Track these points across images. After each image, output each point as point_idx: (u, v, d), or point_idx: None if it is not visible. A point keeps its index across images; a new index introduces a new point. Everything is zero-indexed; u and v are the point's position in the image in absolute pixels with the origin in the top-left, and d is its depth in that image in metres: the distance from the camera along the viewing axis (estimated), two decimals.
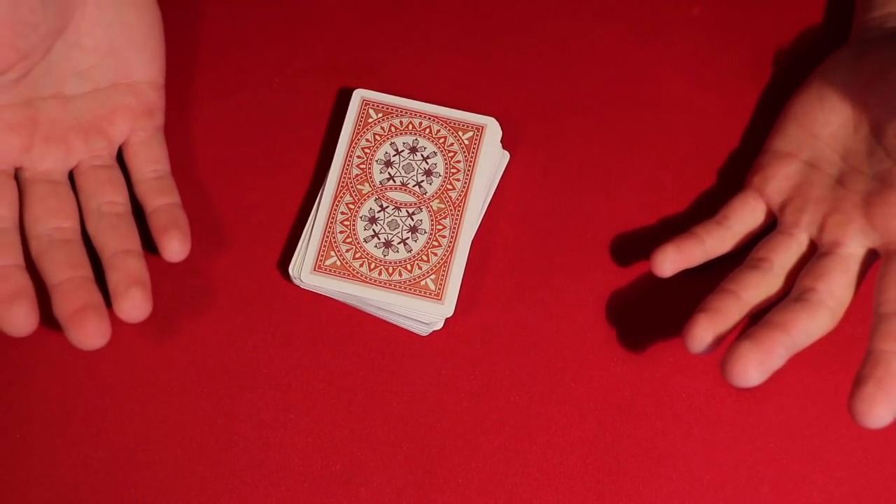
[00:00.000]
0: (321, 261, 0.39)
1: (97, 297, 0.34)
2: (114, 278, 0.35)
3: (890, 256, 0.33)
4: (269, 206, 0.41)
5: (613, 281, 0.41)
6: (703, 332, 0.34)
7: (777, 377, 0.39)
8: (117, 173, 0.38)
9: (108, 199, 0.37)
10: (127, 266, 0.35)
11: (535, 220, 0.41)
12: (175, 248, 0.36)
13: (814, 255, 0.36)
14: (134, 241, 0.36)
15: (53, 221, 0.35)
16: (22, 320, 0.33)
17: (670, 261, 0.37)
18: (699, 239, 0.38)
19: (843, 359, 0.40)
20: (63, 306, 0.33)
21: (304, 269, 0.38)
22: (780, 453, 0.39)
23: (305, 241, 0.39)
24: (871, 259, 0.35)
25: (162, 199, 0.38)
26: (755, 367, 0.32)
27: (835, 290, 0.34)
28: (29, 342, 0.39)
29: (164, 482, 0.38)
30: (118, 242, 0.36)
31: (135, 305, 0.34)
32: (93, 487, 0.38)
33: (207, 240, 0.41)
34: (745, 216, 0.38)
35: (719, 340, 0.34)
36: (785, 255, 0.36)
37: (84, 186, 0.37)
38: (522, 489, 0.38)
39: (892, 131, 0.34)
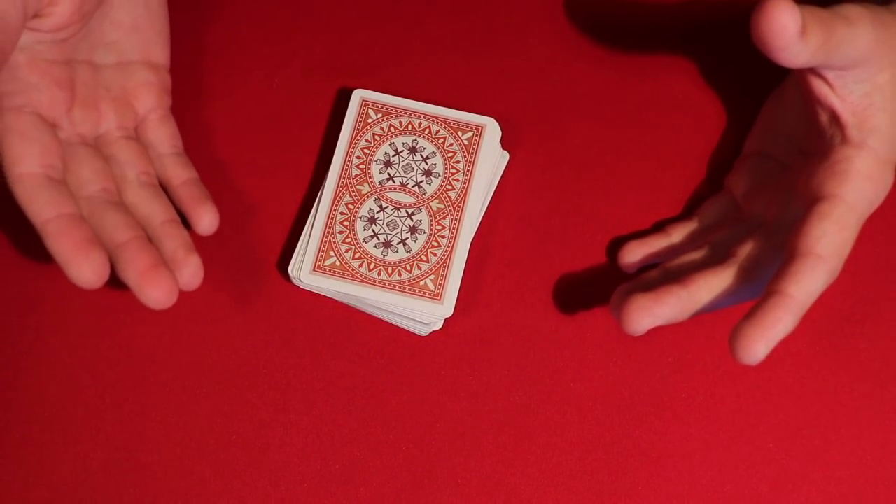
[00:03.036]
0: (320, 261, 0.39)
1: (161, 257, 0.34)
2: (170, 245, 0.35)
3: (803, 213, 0.33)
4: (268, 206, 0.41)
5: (613, 281, 0.40)
6: (618, 298, 0.34)
7: (776, 377, 0.39)
8: (144, 147, 0.38)
9: (143, 169, 0.37)
10: (181, 234, 0.35)
11: (534, 221, 0.41)
12: (210, 220, 0.37)
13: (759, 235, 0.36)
14: (174, 212, 0.36)
15: (101, 183, 0.35)
16: (96, 268, 0.32)
17: (631, 254, 0.39)
18: (665, 233, 0.40)
19: (843, 359, 0.40)
20: (135, 263, 0.32)
21: (303, 270, 0.39)
22: (780, 453, 0.39)
23: (305, 242, 0.39)
24: None
25: (187, 173, 0.38)
26: (642, 313, 0.32)
27: (749, 252, 0.34)
28: (29, 342, 0.39)
29: (163, 482, 0.38)
30: (164, 212, 0.36)
31: (196, 272, 0.34)
32: (93, 487, 0.38)
33: (207, 240, 0.41)
34: (714, 211, 0.40)
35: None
36: (728, 235, 0.37)
37: (118, 156, 0.37)
38: (522, 489, 0.38)
39: (813, 109, 0.35)
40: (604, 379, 0.39)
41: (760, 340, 0.29)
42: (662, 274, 0.36)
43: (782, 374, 0.40)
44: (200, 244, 0.41)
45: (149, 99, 0.38)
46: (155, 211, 0.36)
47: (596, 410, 0.39)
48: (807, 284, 0.30)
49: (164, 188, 0.38)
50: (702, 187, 0.42)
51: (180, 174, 0.38)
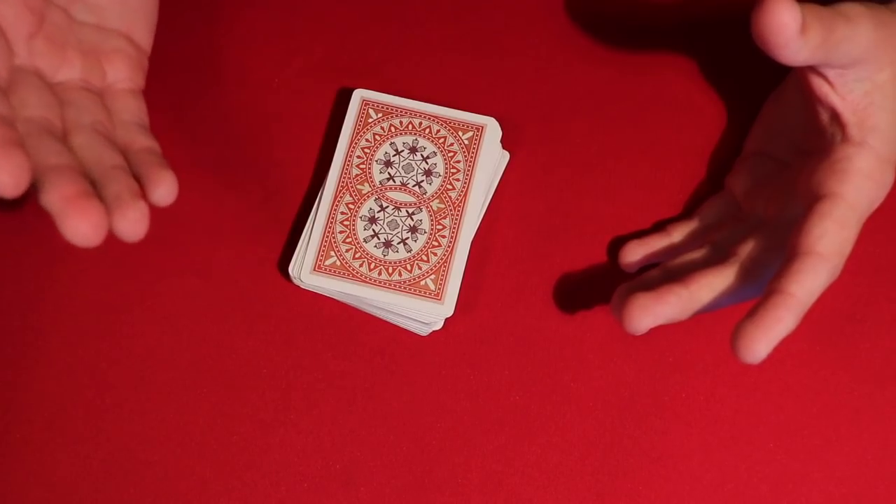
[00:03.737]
0: (321, 261, 0.39)
1: (93, 190, 0.30)
2: (115, 188, 0.31)
3: (804, 211, 0.33)
4: (269, 206, 0.41)
5: (613, 281, 0.40)
6: (618, 297, 0.34)
7: (776, 377, 0.40)
8: (106, 106, 0.35)
9: (100, 119, 0.34)
10: (129, 181, 0.31)
11: (534, 220, 0.41)
12: (167, 188, 0.32)
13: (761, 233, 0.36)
14: (126, 165, 0.33)
15: (44, 111, 0.32)
16: (14, 171, 0.28)
17: (632, 254, 0.39)
18: (666, 232, 0.40)
19: (843, 358, 0.40)
20: (62, 188, 0.29)
21: (304, 269, 0.39)
22: (780, 453, 0.39)
23: (305, 241, 0.39)
24: None
25: (149, 142, 0.35)
26: (642, 311, 0.32)
27: (749, 251, 0.34)
28: (29, 342, 0.39)
29: (163, 482, 0.38)
30: (115, 158, 0.32)
31: (140, 218, 0.30)
32: (92, 487, 0.38)
33: (207, 240, 0.41)
34: (715, 211, 0.40)
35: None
36: (729, 234, 0.37)
37: (76, 101, 0.34)
38: (522, 489, 0.38)
39: (813, 107, 0.35)
40: (604, 379, 0.39)
41: (762, 340, 0.29)
42: (663, 273, 0.36)
43: (782, 374, 0.40)
44: (200, 243, 0.41)
45: (122, 67, 0.36)
46: (105, 156, 0.32)
47: (596, 410, 0.39)
48: (808, 283, 0.30)
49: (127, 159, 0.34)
50: (702, 187, 0.42)
51: (141, 141, 0.35)
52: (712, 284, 0.33)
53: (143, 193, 0.32)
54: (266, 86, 0.43)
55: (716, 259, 0.35)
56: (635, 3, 0.45)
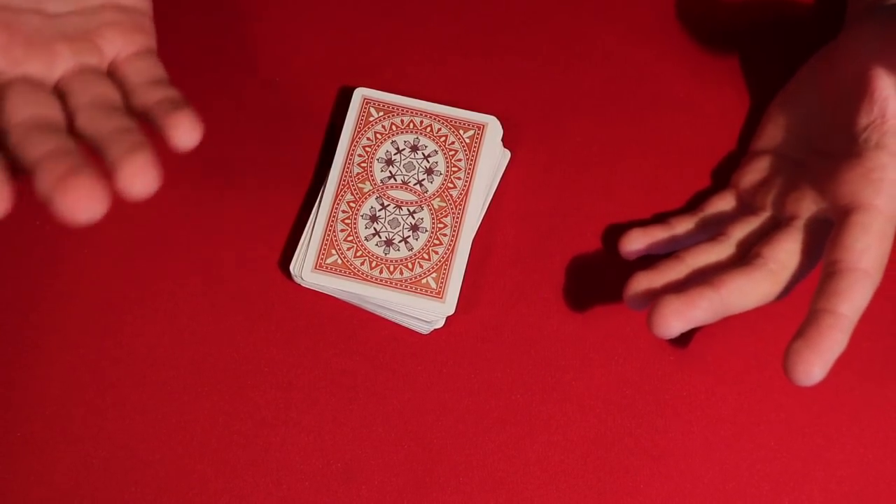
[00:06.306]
0: (322, 259, 0.39)
1: (88, 164, 0.28)
2: (113, 149, 0.29)
3: (839, 222, 0.33)
4: (270, 205, 0.41)
5: (613, 279, 0.41)
6: (637, 285, 0.35)
7: (776, 375, 0.40)
8: (109, 80, 0.34)
9: (99, 93, 0.32)
10: (129, 137, 0.29)
11: (535, 219, 0.41)
12: (185, 128, 0.30)
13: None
14: (133, 124, 0.31)
15: (34, 110, 0.31)
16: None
17: (634, 241, 0.39)
18: (668, 224, 0.39)
19: (843, 357, 0.40)
20: (49, 173, 0.27)
21: (305, 268, 0.39)
22: (781, 451, 0.39)
23: (306, 240, 0.39)
24: (826, 229, 0.35)
25: (161, 93, 0.33)
26: (674, 316, 0.32)
27: (779, 256, 0.34)
28: (29, 342, 0.39)
29: (164, 481, 0.38)
30: (113, 124, 0.30)
31: (141, 171, 0.28)
32: (93, 486, 0.38)
33: (208, 238, 0.41)
34: (718, 205, 0.40)
35: (650, 294, 0.35)
36: (742, 229, 0.37)
37: (73, 88, 0.32)
38: (523, 487, 0.38)
39: (841, 108, 0.35)
40: (605, 377, 0.39)
41: (817, 363, 0.29)
42: (678, 262, 0.36)
43: (782, 373, 0.40)
44: (201, 242, 0.41)
45: (115, 36, 0.35)
46: (103, 124, 0.30)
47: (597, 409, 0.39)
48: (857, 301, 0.30)
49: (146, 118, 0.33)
50: (702, 186, 0.42)
51: (154, 94, 0.33)
52: (743, 288, 0.33)
53: (169, 141, 0.30)
54: (267, 85, 0.43)
55: (732, 253, 0.35)
56: (635, 3, 0.45)
